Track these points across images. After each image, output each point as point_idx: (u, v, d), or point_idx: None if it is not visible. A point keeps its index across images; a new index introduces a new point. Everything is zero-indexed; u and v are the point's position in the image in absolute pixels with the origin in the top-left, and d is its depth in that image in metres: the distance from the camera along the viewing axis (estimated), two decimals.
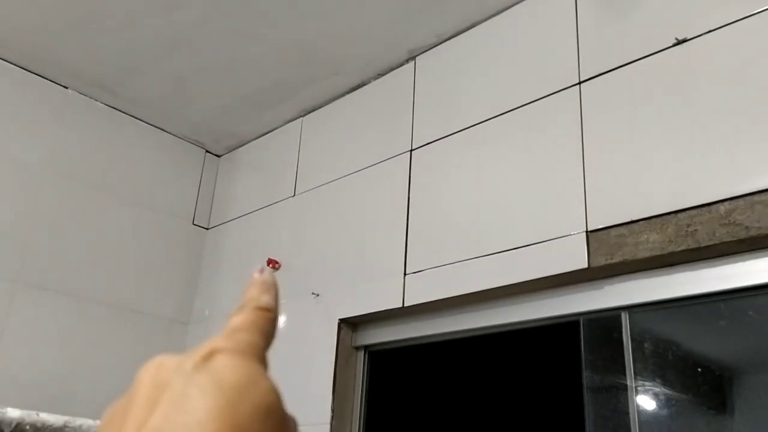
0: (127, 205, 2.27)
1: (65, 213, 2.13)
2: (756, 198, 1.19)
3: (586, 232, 1.41)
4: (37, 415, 0.71)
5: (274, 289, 0.31)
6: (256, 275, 0.31)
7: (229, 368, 0.24)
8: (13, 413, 0.70)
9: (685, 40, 1.39)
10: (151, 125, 2.40)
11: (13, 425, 0.69)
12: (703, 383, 1.39)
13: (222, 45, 1.99)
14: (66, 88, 2.21)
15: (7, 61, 2.10)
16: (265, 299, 0.30)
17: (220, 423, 0.22)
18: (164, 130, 2.43)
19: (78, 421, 0.74)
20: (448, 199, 1.72)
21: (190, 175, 2.48)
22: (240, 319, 0.28)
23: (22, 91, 2.12)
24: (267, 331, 0.29)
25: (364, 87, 2.11)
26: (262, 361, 0.27)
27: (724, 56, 1.33)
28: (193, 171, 2.49)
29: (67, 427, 0.71)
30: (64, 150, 2.16)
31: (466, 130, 1.76)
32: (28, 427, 0.69)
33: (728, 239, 1.21)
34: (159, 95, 2.25)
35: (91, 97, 2.26)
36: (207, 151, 2.55)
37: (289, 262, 2.09)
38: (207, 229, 2.48)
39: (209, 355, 0.25)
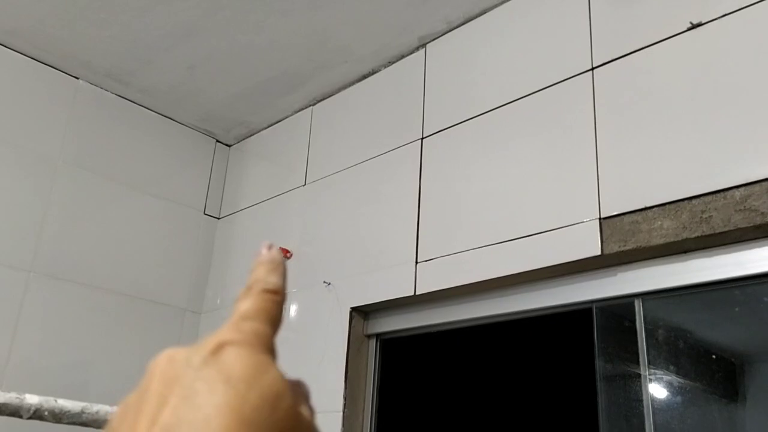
0: (138, 195, 2.28)
1: (77, 203, 2.14)
2: None
3: (599, 219, 1.40)
4: (56, 401, 0.71)
5: (281, 267, 0.30)
6: (264, 252, 0.31)
7: (236, 361, 0.24)
8: (32, 399, 0.70)
9: (699, 25, 1.37)
10: (162, 115, 2.40)
11: (32, 411, 0.70)
12: (717, 371, 1.38)
13: (232, 34, 1.99)
14: (77, 78, 2.21)
15: (17, 51, 2.10)
16: (273, 280, 0.29)
17: (228, 418, 0.22)
18: (175, 120, 2.43)
19: (95, 407, 0.74)
20: (460, 187, 1.72)
21: (201, 164, 2.49)
22: (247, 305, 0.28)
23: (33, 81, 2.13)
24: (275, 317, 0.28)
25: (375, 75, 2.10)
26: (270, 350, 0.27)
27: (739, 41, 1.31)
28: (203, 161, 2.50)
29: (85, 412, 0.72)
30: (75, 140, 2.17)
31: (477, 118, 1.75)
32: (46, 413, 0.70)
33: (743, 225, 1.19)
34: (169, 85, 2.25)
35: (101, 88, 2.26)
36: (217, 141, 2.55)
37: (300, 251, 2.09)
38: (218, 218, 2.49)
39: (217, 349, 0.25)
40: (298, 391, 0.27)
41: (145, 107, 2.36)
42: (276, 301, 0.29)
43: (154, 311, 2.23)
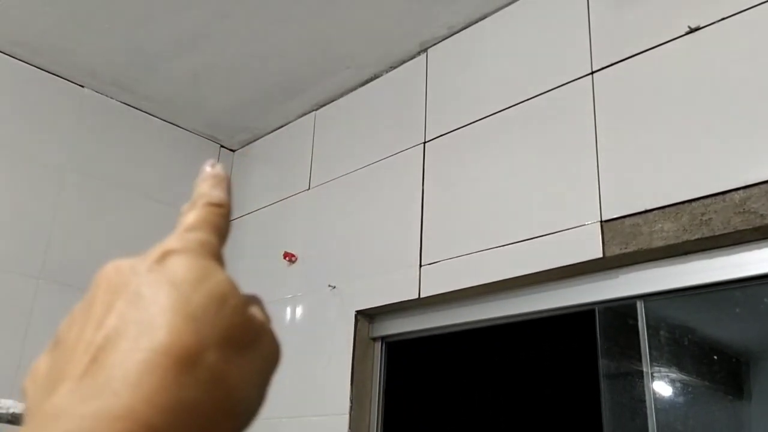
0: (144, 201, 2.31)
1: (84, 210, 2.16)
2: None
3: (601, 221, 1.42)
4: None
5: (225, 182, 0.30)
6: (208, 169, 0.30)
7: (181, 266, 0.25)
8: None
9: (698, 28, 1.39)
10: (167, 121, 2.42)
11: None
12: (718, 370, 1.40)
13: (236, 41, 2.01)
14: (82, 87, 2.24)
15: (24, 61, 2.13)
16: (217, 194, 0.29)
17: (173, 315, 0.22)
18: (179, 126, 2.46)
19: None
20: (462, 191, 1.74)
21: None
22: (192, 217, 0.28)
23: (40, 91, 2.15)
24: (220, 228, 0.28)
25: (377, 80, 2.12)
26: (218, 258, 0.27)
27: (737, 44, 1.32)
28: None
29: None
30: (81, 148, 2.19)
31: (478, 122, 1.76)
32: None
33: (743, 227, 1.21)
34: (174, 92, 2.27)
35: (107, 96, 2.28)
36: (222, 146, 2.57)
37: (305, 255, 2.11)
38: None
39: (162, 257, 0.25)
40: (250, 296, 0.27)
41: (150, 114, 2.38)
42: (220, 214, 0.29)
43: None
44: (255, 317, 0.26)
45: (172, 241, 0.26)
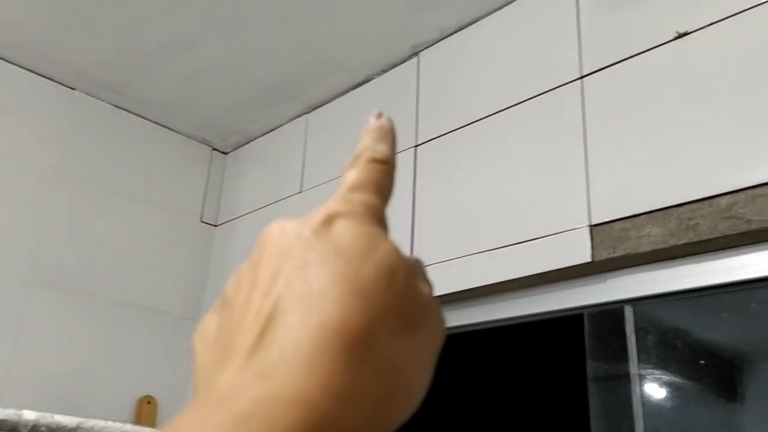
0: (135, 204, 2.30)
1: (75, 213, 2.16)
2: (757, 191, 1.20)
3: (590, 226, 1.42)
4: (52, 417, 0.73)
5: (391, 136, 0.29)
6: (372, 120, 0.29)
7: (347, 233, 0.24)
8: (29, 415, 0.72)
9: (686, 34, 1.39)
10: (158, 124, 2.42)
11: (29, 426, 0.72)
12: (706, 374, 1.40)
13: (227, 44, 2.01)
14: (73, 89, 2.23)
15: (14, 63, 2.12)
16: (382, 149, 0.28)
17: (342, 289, 0.21)
18: (171, 129, 2.45)
19: (90, 423, 0.76)
20: (453, 195, 1.74)
21: (197, 172, 2.51)
22: (355, 176, 0.27)
23: (30, 93, 2.15)
24: (384, 187, 0.27)
25: (369, 83, 2.12)
26: (381, 221, 0.26)
27: (726, 49, 1.33)
28: (200, 169, 2.52)
29: (80, 428, 0.74)
30: (72, 151, 2.19)
31: (469, 126, 1.77)
32: (43, 428, 0.72)
33: (729, 233, 1.21)
34: (165, 95, 2.27)
35: (98, 98, 2.28)
36: (213, 149, 2.57)
37: None
38: (215, 226, 2.51)
39: (328, 220, 0.24)
40: (414, 265, 0.25)
41: (141, 117, 2.38)
42: (384, 171, 0.28)
43: (152, 320, 2.25)
44: (423, 291, 0.25)
45: (336, 203, 0.25)
